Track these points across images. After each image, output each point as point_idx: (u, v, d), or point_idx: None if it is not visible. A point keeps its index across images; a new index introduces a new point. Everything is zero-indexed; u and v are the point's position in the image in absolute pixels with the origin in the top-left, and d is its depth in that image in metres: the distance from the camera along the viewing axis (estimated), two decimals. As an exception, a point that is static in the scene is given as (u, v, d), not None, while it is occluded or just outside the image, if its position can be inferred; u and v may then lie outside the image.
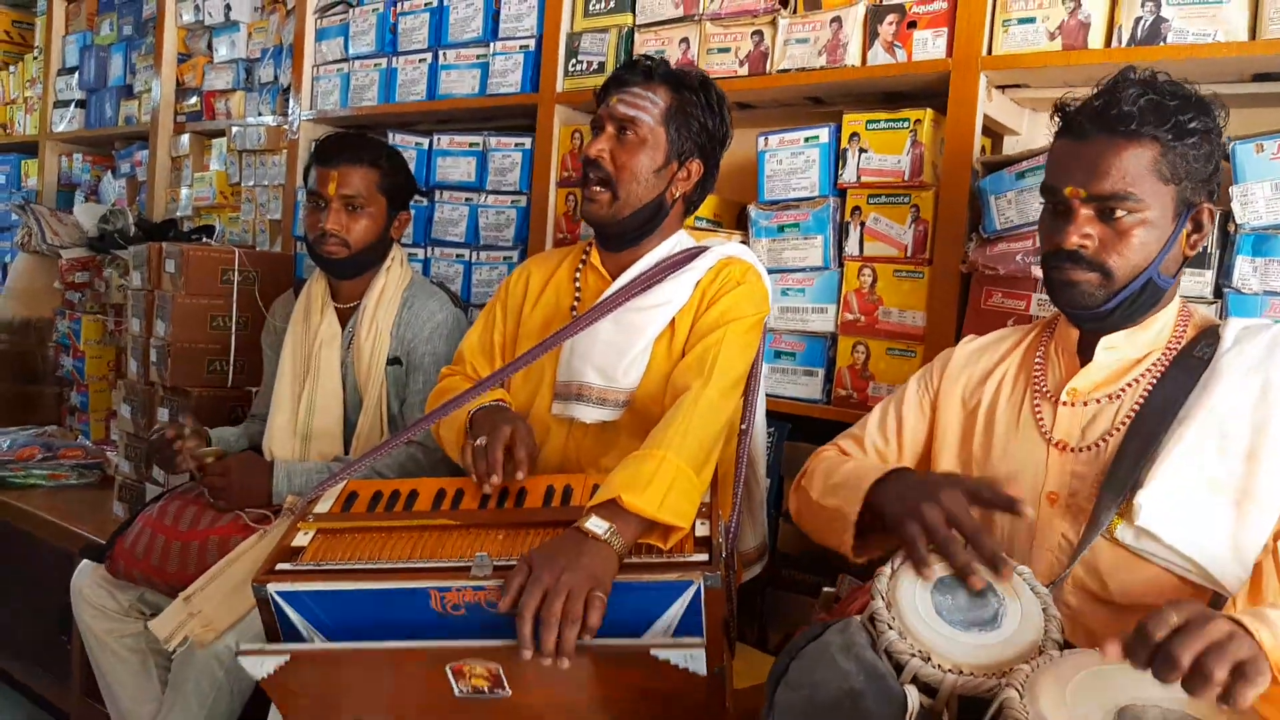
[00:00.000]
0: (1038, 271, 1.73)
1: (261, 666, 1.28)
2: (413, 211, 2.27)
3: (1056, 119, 1.35)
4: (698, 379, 1.56)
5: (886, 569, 1.18)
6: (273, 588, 1.33)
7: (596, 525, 1.31)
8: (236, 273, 2.51)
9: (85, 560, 2.08)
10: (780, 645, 2.04)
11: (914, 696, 1.03)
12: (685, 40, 2.20)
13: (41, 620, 2.63)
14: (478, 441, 1.52)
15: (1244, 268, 1.58)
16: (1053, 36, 1.76)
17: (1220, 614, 0.97)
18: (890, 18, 1.93)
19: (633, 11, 2.30)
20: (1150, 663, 0.94)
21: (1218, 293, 1.62)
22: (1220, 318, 1.58)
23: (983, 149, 1.88)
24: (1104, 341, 1.33)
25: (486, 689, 1.27)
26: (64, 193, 4.31)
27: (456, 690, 1.28)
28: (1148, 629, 0.95)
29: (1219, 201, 1.35)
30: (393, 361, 2.12)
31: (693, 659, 1.20)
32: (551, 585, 1.22)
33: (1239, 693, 0.90)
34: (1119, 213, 1.26)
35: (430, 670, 1.26)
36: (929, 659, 1.06)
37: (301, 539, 1.44)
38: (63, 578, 2.52)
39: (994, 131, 2.01)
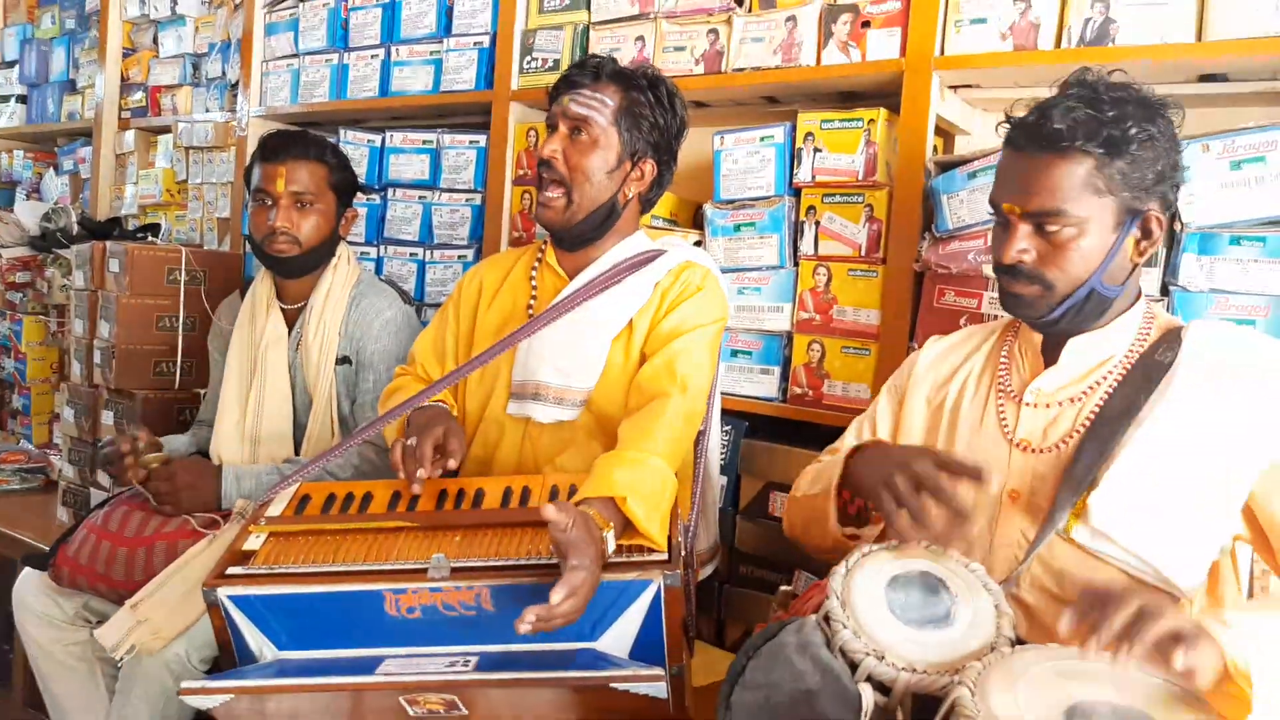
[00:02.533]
0: (989, 270, 1.75)
1: (205, 702, 1.24)
2: (359, 210, 2.23)
3: (1002, 128, 1.36)
4: (673, 386, 1.56)
5: (841, 567, 1.19)
6: (223, 592, 1.31)
7: (609, 543, 1.29)
8: (184, 272, 2.46)
9: (28, 568, 2.02)
10: (738, 642, 2.05)
11: (868, 695, 1.04)
12: (640, 38, 2.20)
13: (-19, 630, 2.57)
14: (409, 441, 1.52)
15: (1190, 266, 1.60)
16: (1004, 37, 1.78)
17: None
18: (845, 17, 1.94)
19: (588, 9, 2.29)
20: (1092, 633, 0.97)
21: (1164, 290, 1.64)
22: (1167, 313, 1.61)
23: (935, 148, 1.90)
24: (1070, 344, 1.34)
25: (443, 711, 1.25)
26: (4, 190, 4.20)
27: (411, 713, 1.25)
28: (1092, 604, 0.98)
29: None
30: (342, 361, 2.09)
31: (654, 688, 1.18)
32: (573, 594, 1.20)
33: (1175, 656, 0.93)
34: (1053, 228, 1.26)
35: (383, 701, 1.23)
36: (883, 657, 1.06)
37: (253, 542, 1.42)
38: (4, 585, 2.46)
39: (946, 131, 2.03)
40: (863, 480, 1.31)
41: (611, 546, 1.29)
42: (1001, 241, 1.31)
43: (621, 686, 1.18)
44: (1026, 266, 1.29)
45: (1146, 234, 1.30)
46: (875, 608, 1.12)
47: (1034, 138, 1.27)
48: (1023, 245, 1.29)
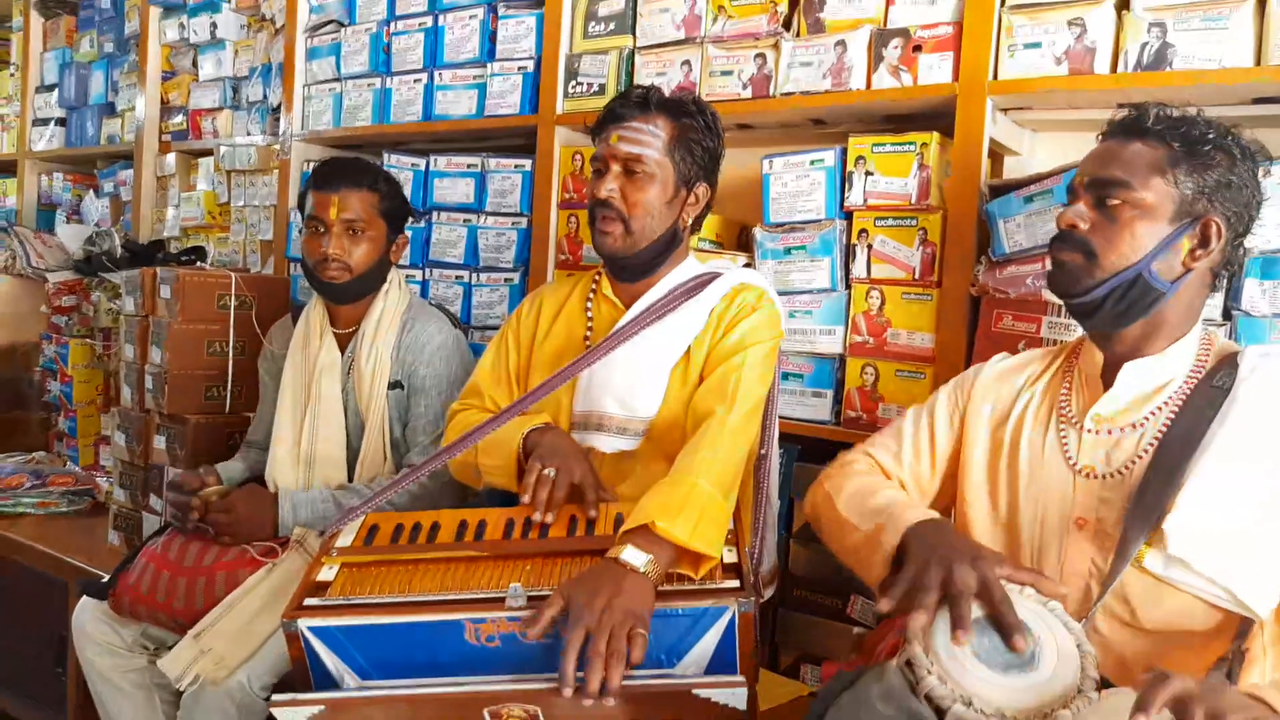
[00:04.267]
0: (1048, 295, 1.75)
1: (295, 716, 1.26)
2: (409, 234, 2.25)
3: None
4: (720, 404, 1.57)
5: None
6: (304, 623, 1.32)
7: (634, 557, 1.31)
8: (233, 298, 2.48)
9: (85, 597, 2.04)
10: (792, 666, 2.05)
11: (958, 742, 1.03)
12: (687, 63, 2.21)
13: (34, 652, 2.59)
14: (547, 470, 1.52)
15: (1253, 290, 1.60)
16: (1059, 61, 1.78)
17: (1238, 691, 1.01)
18: (895, 41, 1.94)
19: (633, 34, 2.30)
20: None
21: (1226, 314, 1.64)
22: (1229, 338, 1.60)
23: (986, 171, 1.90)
24: (1126, 368, 1.34)
25: None
26: (44, 212, 4.25)
27: None
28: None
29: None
30: (394, 385, 2.11)
31: (735, 696, 1.20)
32: (594, 625, 1.22)
33: None
34: (1114, 199, 1.30)
35: (467, 713, 1.25)
36: (970, 703, 1.05)
37: (326, 574, 1.43)
38: (56, 608, 2.49)
39: (995, 152, 2.03)
40: (913, 545, 1.25)
41: (642, 562, 1.30)
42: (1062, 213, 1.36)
43: (704, 694, 1.21)
44: (1078, 233, 1.32)
45: (1204, 241, 1.31)
46: (958, 652, 1.10)
47: (1120, 126, 1.35)
48: (1080, 211, 1.33)
